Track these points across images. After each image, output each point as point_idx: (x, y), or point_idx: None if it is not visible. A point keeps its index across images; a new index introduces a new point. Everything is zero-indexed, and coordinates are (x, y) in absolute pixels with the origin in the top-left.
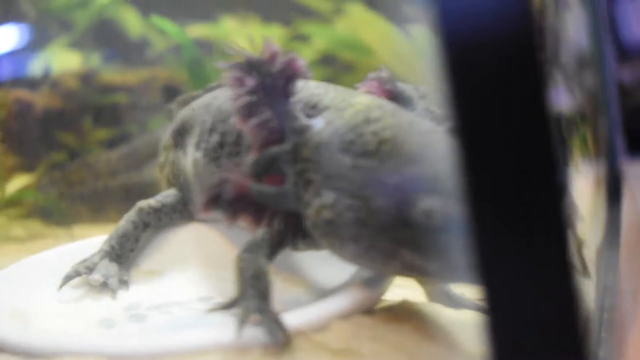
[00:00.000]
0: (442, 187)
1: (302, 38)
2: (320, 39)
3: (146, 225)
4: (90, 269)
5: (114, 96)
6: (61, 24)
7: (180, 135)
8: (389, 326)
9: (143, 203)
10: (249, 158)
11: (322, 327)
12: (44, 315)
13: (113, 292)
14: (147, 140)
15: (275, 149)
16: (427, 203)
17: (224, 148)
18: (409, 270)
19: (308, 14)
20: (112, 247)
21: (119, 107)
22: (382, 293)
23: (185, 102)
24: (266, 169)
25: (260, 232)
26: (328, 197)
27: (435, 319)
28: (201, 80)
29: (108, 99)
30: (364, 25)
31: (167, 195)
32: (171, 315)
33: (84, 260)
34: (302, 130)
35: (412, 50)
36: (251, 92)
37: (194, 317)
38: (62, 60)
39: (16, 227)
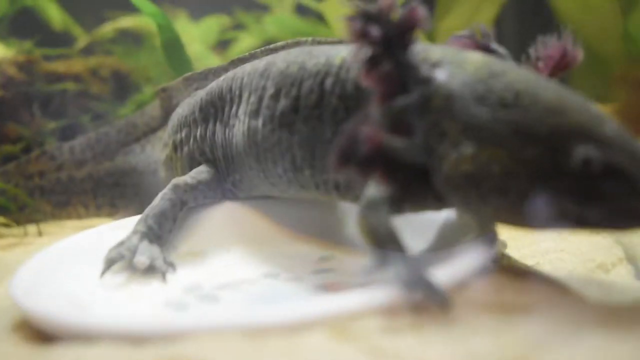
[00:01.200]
0: (595, 134)
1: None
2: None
3: (183, 204)
4: (132, 252)
5: (61, 84)
6: None
7: (214, 107)
8: (518, 281)
9: (179, 180)
10: (374, 111)
11: (463, 285)
12: (97, 300)
13: (163, 274)
14: (119, 127)
15: (402, 100)
16: (584, 150)
17: (298, 112)
18: (565, 220)
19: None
20: (150, 228)
21: (67, 96)
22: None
23: (190, 81)
24: (395, 121)
25: (378, 188)
26: (468, 148)
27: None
28: (180, 62)
29: (55, 87)
30: None
31: (201, 171)
32: (248, 292)
33: (121, 243)
34: (426, 81)
35: None
36: (375, 43)
37: (280, 290)
38: None
39: None
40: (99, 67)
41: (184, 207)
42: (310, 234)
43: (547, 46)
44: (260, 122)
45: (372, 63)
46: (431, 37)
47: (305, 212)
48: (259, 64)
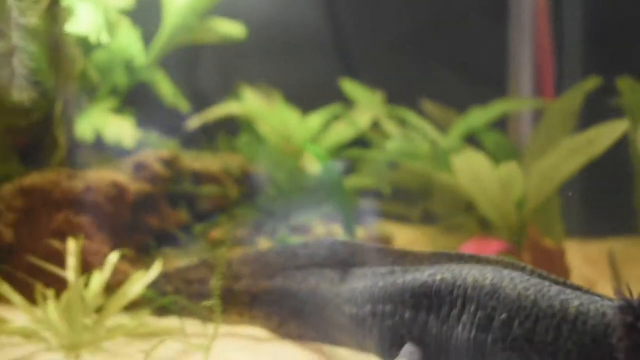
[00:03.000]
0: None
1: None
2: None
3: None
4: None
5: (206, 187)
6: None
7: (428, 300)
8: None
9: None
10: None
11: None
12: None
13: None
14: (278, 251)
15: None
16: None
17: (532, 343)
18: None
19: None
20: None
21: (207, 197)
22: None
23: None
24: None
25: None
26: None
27: None
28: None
29: (200, 189)
30: None
31: (412, 352)
32: None
33: None
34: None
35: None
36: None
37: None
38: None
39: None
40: (228, 165)
41: None
42: None
43: None
44: (490, 338)
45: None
46: None
47: None
48: (482, 280)
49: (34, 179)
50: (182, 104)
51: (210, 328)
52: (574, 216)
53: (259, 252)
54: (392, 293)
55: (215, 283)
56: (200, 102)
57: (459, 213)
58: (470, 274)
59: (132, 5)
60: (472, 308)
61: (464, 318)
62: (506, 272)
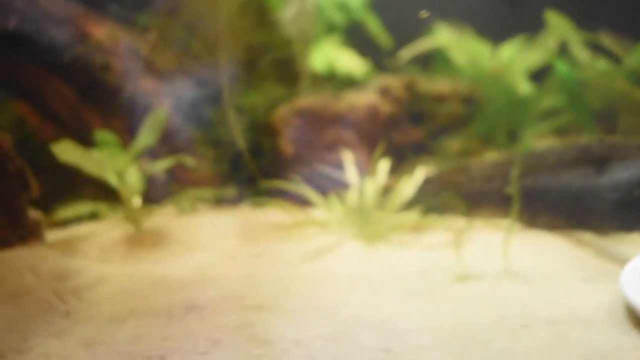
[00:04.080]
0: None
1: None
2: None
3: None
4: None
5: (446, 105)
6: None
7: None
8: None
9: None
10: None
11: None
12: None
13: None
14: (527, 155)
15: None
16: None
17: None
18: None
19: None
20: None
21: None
22: None
23: None
24: None
25: None
26: None
27: None
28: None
29: (441, 109)
30: None
31: None
32: None
33: None
34: None
35: None
36: None
37: None
38: None
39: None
40: (454, 90)
41: None
42: None
43: None
44: None
45: None
46: None
47: None
48: None
49: (305, 101)
50: (387, 41)
51: (466, 222)
52: None
53: (507, 156)
54: None
55: (513, 179)
56: (403, 38)
57: None
58: None
59: None
60: None
61: None
62: None
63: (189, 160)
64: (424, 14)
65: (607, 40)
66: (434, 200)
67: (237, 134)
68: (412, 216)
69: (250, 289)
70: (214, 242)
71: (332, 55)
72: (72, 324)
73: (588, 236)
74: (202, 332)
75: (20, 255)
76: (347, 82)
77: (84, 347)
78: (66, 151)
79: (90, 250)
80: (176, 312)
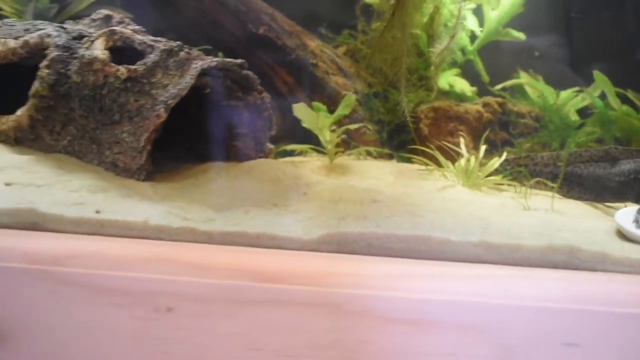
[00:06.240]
0: None
1: None
2: None
3: None
4: None
5: (523, 120)
6: None
7: None
8: None
9: None
10: None
11: None
12: None
13: None
14: (570, 154)
15: None
16: None
17: None
18: None
19: None
20: None
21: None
22: None
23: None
24: None
25: None
26: None
27: None
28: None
29: (519, 121)
30: None
31: None
32: None
33: None
34: None
35: None
36: None
37: None
38: None
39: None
40: (529, 111)
41: None
42: None
43: None
44: None
45: None
46: None
47: None
48: None
49: (438, 103)
50: (486, 78)
51: (528, 187)
52: None
53: (558, 153)
54: None
55: (561, 166)
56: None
57: None
58: None
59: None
60: None
61: None
62: None
63: (367, 127)
64: (537, 54)
65: (631, 94)
66: (510, 173)
67: (400, 117)
68: (496, 179)
69: (405, 197)
70: (379, 175)
71: (452, 80)
72: (307, 200)
73: (601, 206)
74: (380, 212)
75: (269, 164)
76: (460, 98)
77: (316, 212)
78: (299, 110)
79: (305, 168)
80: (365, 202)
